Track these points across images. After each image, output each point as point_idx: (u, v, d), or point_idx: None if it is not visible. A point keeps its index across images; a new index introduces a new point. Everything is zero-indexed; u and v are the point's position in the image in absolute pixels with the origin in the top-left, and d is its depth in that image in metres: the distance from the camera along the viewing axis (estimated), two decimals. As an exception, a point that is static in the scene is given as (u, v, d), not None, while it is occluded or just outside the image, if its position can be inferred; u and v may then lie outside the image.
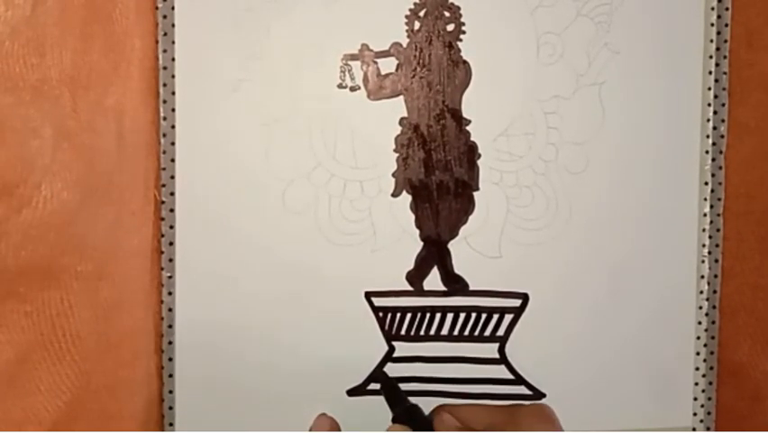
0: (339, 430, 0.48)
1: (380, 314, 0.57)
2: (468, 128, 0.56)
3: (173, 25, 0.55)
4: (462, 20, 0.56)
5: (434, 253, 0.57)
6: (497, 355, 0.57)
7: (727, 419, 0.59)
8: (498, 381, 0.57)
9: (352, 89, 0.56)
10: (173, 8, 0.55)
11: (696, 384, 0.59)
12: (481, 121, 0.56)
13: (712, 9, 0.57)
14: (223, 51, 0.55)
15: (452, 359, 0.57)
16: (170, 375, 0.56)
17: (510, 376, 0.57)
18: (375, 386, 0.57)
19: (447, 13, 0.56)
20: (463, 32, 0.56)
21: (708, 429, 0.59)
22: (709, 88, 0.57)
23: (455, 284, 0.57)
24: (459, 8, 0.56)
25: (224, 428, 0.56)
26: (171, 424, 0.56)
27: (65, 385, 0.54)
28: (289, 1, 0.55)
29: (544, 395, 0.57)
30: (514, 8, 0.56)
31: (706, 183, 0.58)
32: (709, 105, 0.57)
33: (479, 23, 0.56)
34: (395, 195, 0.56)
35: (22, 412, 0.52)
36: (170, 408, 0.56)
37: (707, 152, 0.58)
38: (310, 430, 0.48)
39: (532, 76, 0.56)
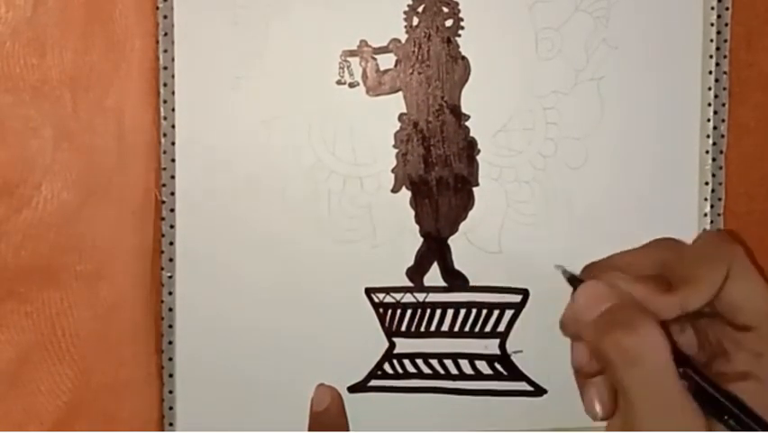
0: (340, 398, 0.47)
1: (381, 310, 0.56)
2: (467, 124, 0.56)
3: (173, 25, 0.55)
4: (461, 15, 0.56)
5: (434, 248, 0.56)
6: (497, 351, 0.57)
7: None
8: (498, 376, 0.57)
9: (351, 86, 0.56)
10: (173, 8, 0.55)
11: (698, 385, 0.58)
12: (480, 116, 0.56)
13: (712, 9, 0.57)
14: (222, 50, 0.55)
15: (452, 355, 0.57)
16: (170, 375, 0.56)
17: (511, 372, 0.57)
18: (376, 383, 0.57)
19: (445, 9, 0.56)
20: (462, 28, 0.56)
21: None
22: (709, 88, 0.57)
23: (455, 280, 0.57)
24: (457, 4, 0.56)
25: (225, 427, 0.56)
26: (171, 424, 0.56)
27: (65, 385, 0.54)
28: (288, -2, 0.56)
29: (545, 391, 0.57)
30: (512, 3, 0.56)
31: (706, 183, 0.58)
32: (709, 105, 0.57)
33: (477, 18, 0.56)
34: (394, 191, 0.56)
35: (22, 412, 0.53)
36: (170, 408, 0.56)
37: (707, 151, 0.58)
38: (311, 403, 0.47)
39: (530, 71, 0.56)
